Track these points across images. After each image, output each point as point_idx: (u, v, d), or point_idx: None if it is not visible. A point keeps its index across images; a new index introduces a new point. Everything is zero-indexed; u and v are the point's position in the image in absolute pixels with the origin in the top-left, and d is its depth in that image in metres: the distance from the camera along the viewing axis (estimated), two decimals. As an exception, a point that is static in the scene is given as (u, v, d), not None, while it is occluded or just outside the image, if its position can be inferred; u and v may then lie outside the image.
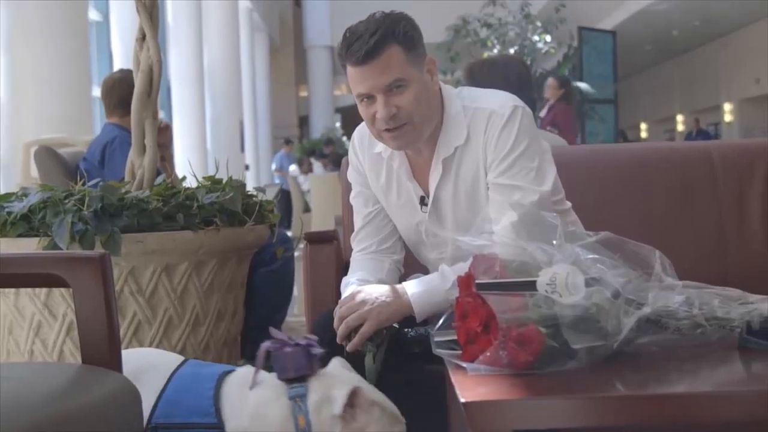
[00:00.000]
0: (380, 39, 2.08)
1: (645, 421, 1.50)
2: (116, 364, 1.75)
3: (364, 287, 2.13)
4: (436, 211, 2.29)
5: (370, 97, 2.14)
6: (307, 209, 12.02)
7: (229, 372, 1.87)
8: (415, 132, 2.18)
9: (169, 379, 1.86)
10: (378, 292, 2.09)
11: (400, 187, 2.33)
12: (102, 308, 1.74)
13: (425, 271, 2.40)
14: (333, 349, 2.02)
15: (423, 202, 2.30)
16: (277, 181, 15.42)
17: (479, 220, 2.15)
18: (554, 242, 1.76)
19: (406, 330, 2.10)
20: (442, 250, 2.31)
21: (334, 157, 15.87)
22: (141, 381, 1.77)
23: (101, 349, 1.78)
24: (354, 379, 1.81)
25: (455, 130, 2.22)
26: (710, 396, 1.54)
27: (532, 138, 2.19)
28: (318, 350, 1.84)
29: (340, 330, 2.07)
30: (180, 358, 1.96)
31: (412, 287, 2.11)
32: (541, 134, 2.45)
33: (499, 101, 2.22)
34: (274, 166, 18.35)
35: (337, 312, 2.10)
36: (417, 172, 2.30)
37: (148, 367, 1.90)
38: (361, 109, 2.20)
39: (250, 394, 1.79)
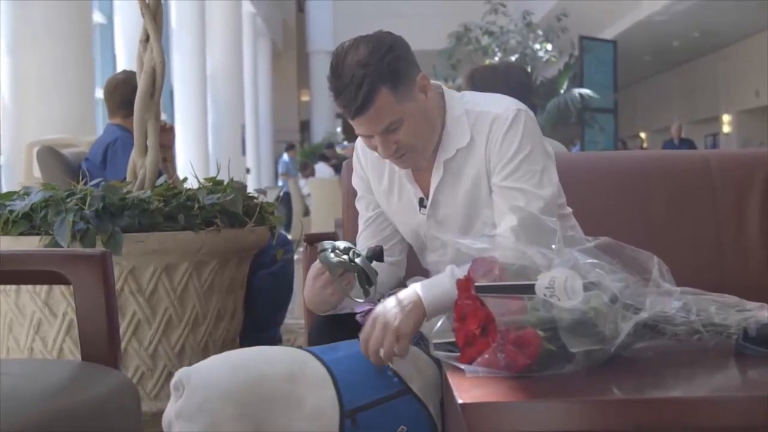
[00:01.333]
0: (367, 91, 2.04)
1: (642, 425, 1.49)
2: (116, 362, 1.75)
3: (376, 307, 1.99)
4: (434, 213, 2.29)
5: (369, 136, 2.15)
6: (306, 213, 12.03)
7: None
8: (419, 154, 2.20)
9: (328, 369, 1.88)
10: (392, 305, 1.97)
11: (402, 189, 2.33)
12: (102, 306, 1.74)
13: (425, 275, 2.40)
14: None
15: (422, 204, 2.30)
16: (280, 184, 15.38)
17: (479, 224, 2.16)
18: (553, 246, 1.76)
19: None
20: (441, 252, 2.31)
21: (338, 159, 15.87)
22: (305, 375, 1.81)
23: (101, 346, 1.78)
24: None
25: (457, 132, 2.22)
26: (707, 401, 1.54)
27: (535, 142, 2.19)
28: None
29: (377, 362, 1.93)
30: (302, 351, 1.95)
31: (422, 289, 2.01)
32: (545, 139, 2.45)
33: (503, 105, 2.22)
34: (280, 170, 18.31)
35: (367, 348, 1.93)
36: (418, 175, 2.30)
37: (293, 362, 1.87)
38: (364, 141, 2.22)
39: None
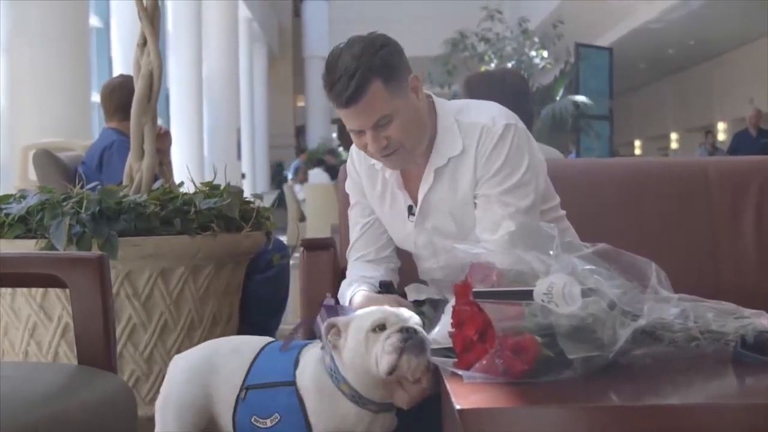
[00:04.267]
0: (360, 80, 2.06)
1: (639, 432, 1.49)
2: (112, 365, 1.75)
3: None
4: (422, 221, 2.29)
5: (360, 132, 2.16)
6: (302, 218, 12.02)
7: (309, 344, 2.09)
8: (408, 154, 2.20)
9: (260, 351, 2.08)
10: None
11: (393, 197, 2.33)
12: (99, 309, 1.73)
13: (422, 282, 2.40)
14: None
15: (411, 211, 2.31)
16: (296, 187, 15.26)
17: (477, 230, 2.16)
18: (551, 252, 1.76)
19: None
20: (434, 261, 2.31)
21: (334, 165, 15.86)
22: (240, 352, 2.08)
23: (97, 349, 1.78)
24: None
25: (450, 140, 2.23)
26: (704, 408, 1.54)
27: (523, 155, 2.20)
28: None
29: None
30: (270, 339, 2.17)
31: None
32: (538, 146, 2.45)
33: (491, 115, 2.22)
34: (290, 176, 18.22)
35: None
36: (408, 182, 2.31)
37: (243, 342, 2.16)
38: (354, 139, 2.22)
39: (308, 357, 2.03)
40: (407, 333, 1.85)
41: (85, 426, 1.55)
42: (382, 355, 1.85)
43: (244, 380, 2.03)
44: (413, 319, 1.92)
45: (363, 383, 1.93)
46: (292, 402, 1.96)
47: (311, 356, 2.01)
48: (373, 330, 1.89)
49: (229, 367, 2.06)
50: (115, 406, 1.65)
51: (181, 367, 2.15)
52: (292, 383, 1.98)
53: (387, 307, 1.98)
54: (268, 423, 1.97)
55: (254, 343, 2.13)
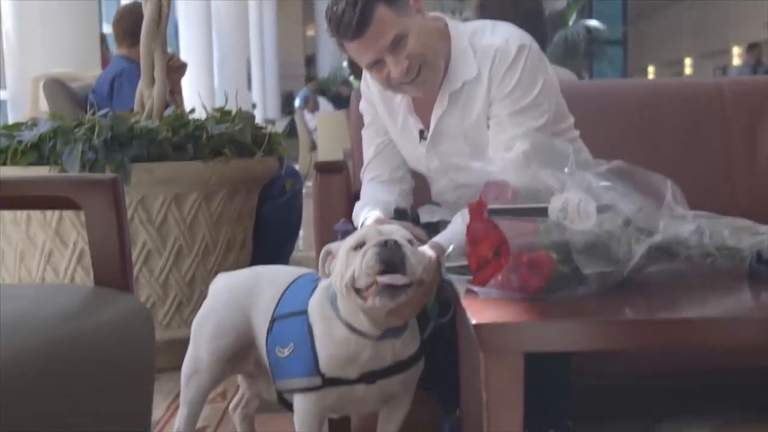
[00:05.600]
0: (364, 6, 2.04)
1: (653, 346, 1.50)
2: (128, 285, 1.75)
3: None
4: (435, 146, 2.28)
5: (378, 62, 2.13)
6: (313, 147, 12.00)
7: None
8: (433, 71, 2.18)
9: (293, 282, 2.06)
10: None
11: (404, 120, 2.32)
12: (114, 229, 1.73)
13: (436, 204, 2.40)
14: None
15: (422, 136, 2.30)
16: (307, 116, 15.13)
17: (490, 150, 2.15)
18: (566, 170, 1.75)
19: None
20: (445, 183, 2.30)
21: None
22: (275, 282, 2.07)
23: (113, 270, 1.77)
24: None
25: (464, 64, 2.21)
26: (719, 321, 1.53)
27: (536, 75, 2.18)
28: None
29: None
30: (306, 270, 2.15)
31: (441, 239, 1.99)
32: (552, 68, 2.43)
33: (505, 37, 2.20)
34: (297, 103, 18.10)
35: None
36: (419, 107, 2.30)
37: (280, 273, 2.14)
38: (374, 76, 2.19)
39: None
40: (384, 247, 1.78)
41: (102, 347, 1.55)
42: (359, 273, 1.79)
43: (274, 311, 2.02)
44: (397, 233, 1.84)
45: (348, 311, 1.88)
46: (303, 331, 1.95)
47: (322, 284, 1.99)
48: (354, 248, 1.84)
49: (266, 296, 2.06)
50: (132, 325, 1.65)
51: (223, 289, 2.16)
52: (305, 312, 1.96)
53: (376, 225, 1.94)
54: (286, 352, 1.96)
55: (290, 274, 2.11)
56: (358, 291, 1.81)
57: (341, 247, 1.88)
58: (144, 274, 2.94)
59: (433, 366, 2.00)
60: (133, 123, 2.98)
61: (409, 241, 1.85)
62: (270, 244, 3.61)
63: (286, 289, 2.05)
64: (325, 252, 1.93)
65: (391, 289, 1.78)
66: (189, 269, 2.99)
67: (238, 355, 2.11)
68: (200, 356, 2.11)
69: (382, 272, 1.78)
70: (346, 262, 1.84)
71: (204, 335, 2.10)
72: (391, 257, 1.78)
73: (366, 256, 1.79)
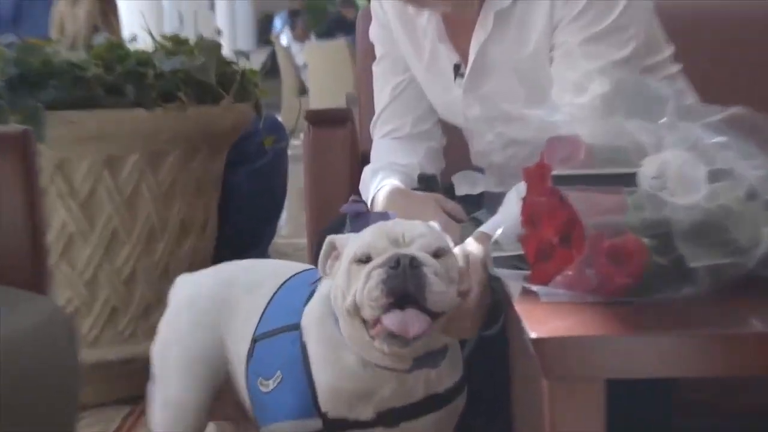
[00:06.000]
0: None
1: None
2: (41, 284, 1.75)
3: None
4: (475, 84, 2.28)
5: None
6: (303, 91, 12.03)
7: None
8: None
9: (284, 284, 2.05)
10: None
11: (433, 52, 2.32)
12: (20, 204, 1.73)
13: (477, 169, 2.40)
14: None
15: (458, 72, 2.31)
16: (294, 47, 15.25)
17: (554, 93, 2.14)
18: (664, 120, 1.74)
19: None
20: (490, 137, 2.29)
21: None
22: (261, 285, 2.06)
23: (21, 264, 1.78)
24: None
25: None
26: None
27: None
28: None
29: None
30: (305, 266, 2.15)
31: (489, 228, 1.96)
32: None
33: None
34: (277, 28, 18.18)
35: None
36: (453, 32, 2.30)
37: (268, 272, 2.14)
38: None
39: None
40: (395, 269, 1.71)
41: (8, 363, 1.55)
42: (362, 301, 1.75)
43: (256, 327, 1.99)
44: (419, 240, 1.78)
45: (356, 340, 1.84)
46: (294, 351, 1.90)
47: (322, 288, 1.93)
48: (357, 261, 1.78)
49: (243, 306, 2.04)
50: (46, 338, 1.65)
51: (186, 299, 2.14)
52: (297, 326, 1.92)
53: (392, 223, 1.86)
54: (271, 385, 1.90)
55: (276, 273, 2.09)
56: (364, 320, 1.78)
57: (345, 250, 1.84)
58: (62, 269, 2.94)
59: (475, 395, 2.00)
60: (50, 55, 2.97)
61: (436, 252, 1.79)
62: (242, 226, 3.63)
63: (273, 295, 2.02)
64: (328, 245, 1.88)
65: (401, 336, 1.73)
66: (126, 262, 3.00)
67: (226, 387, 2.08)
68: (173, 396, 2.06)
69: (391, 305, 1.72)
70: (348, 275, 1.79)
71: (172, 366, 2.07)
72: (403, 285, 1.72)
73: (369, 282, 1.74)
